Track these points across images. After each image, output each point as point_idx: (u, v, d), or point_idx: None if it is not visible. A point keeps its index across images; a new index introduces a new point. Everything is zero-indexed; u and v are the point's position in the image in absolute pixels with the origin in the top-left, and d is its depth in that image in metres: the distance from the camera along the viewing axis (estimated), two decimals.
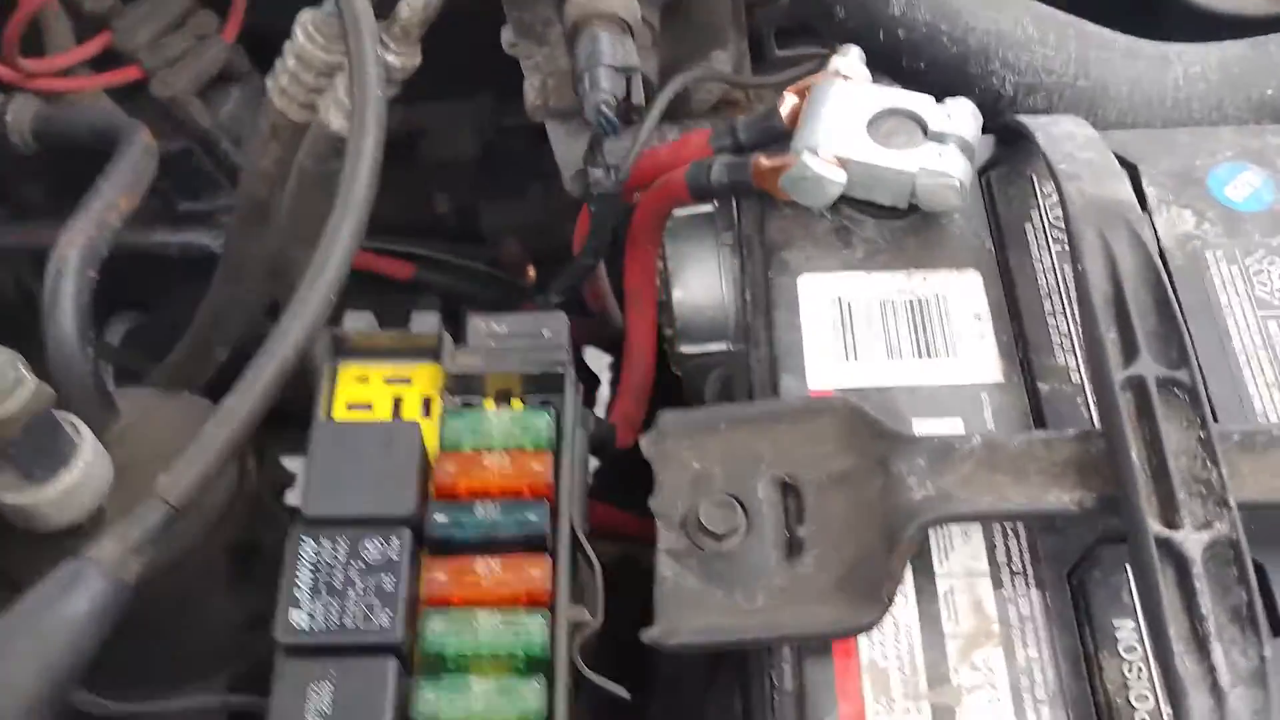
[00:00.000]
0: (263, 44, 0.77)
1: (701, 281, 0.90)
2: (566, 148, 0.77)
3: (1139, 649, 0.45)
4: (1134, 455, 0.42)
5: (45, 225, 0.82)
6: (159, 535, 0.50)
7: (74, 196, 0.65)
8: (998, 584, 0.46)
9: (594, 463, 0.54)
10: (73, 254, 0.61)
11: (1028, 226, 0.56)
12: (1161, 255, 0.54)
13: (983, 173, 0.58)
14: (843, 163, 0.54)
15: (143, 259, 0.87)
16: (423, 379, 0.51)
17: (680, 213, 0.87)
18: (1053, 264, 0.54)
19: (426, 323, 0.52)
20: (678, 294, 0.92)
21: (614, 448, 0.64)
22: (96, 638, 0.47)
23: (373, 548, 0.44)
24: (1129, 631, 0.45)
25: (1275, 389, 0.50)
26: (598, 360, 0.96)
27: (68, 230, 0.63)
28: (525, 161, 0.95)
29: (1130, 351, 0.44)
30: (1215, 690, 0.38)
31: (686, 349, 0.86)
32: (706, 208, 0.85)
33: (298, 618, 0.43)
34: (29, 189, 0.92)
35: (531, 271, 0.99)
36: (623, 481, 0.55)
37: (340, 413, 0.51)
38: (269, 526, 0.72)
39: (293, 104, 0.68)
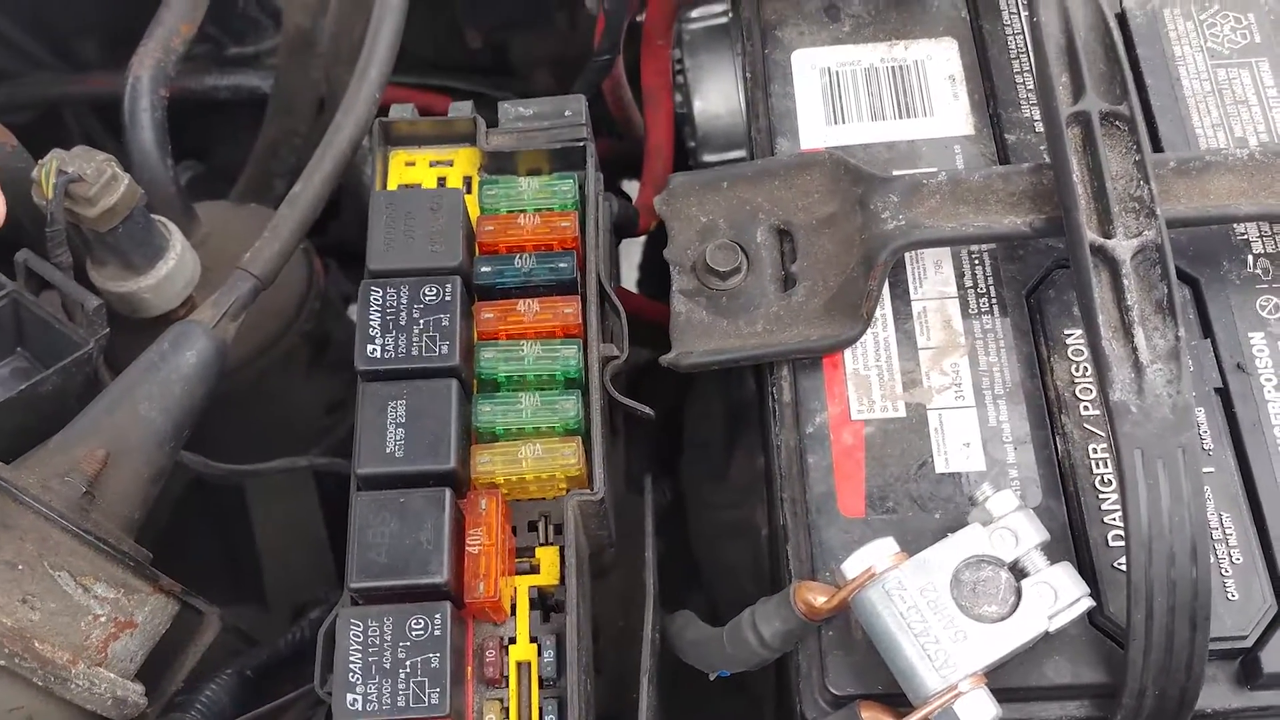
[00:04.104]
0: None
1: (719, 90, 0.96)
2: None
3: (1086, 352, 0.52)
4: (1075, 178, 0.48)
5: (103, 75, 0.89)
6: (248, 302, 0.58)
7: (126, 48, 0.71)
8: (965, 304, 0.54)
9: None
10: (145, 74, 0.68)
11: None
12: (1124, 16, 0.59)
13: None
14: None
15: (198, 105, 0.94)
16: (463, 160, 0.59)
17: (697, 25, 0.92)
18: (1023, 28, 0.60)
19: (462, 109, 0.59)
20: (698, 104, 0.98)
21: (637, 228, 0.71)
22: (204, 386, 0.57)
23: (429, 293, 0.52)
24: (1077, 338, 0.52)
25: (1219, 128, 0.56)
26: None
27: (137, 56, 0.70)
28: None
29: (1078, 90, 0.50)
30: (1136, 365, 0.45)
31: (708, 158, 0.93)
32: (722, 19, 0.90)
33: (372, 349, 0.51)
34: (84, 45, 0.98)
35: None
36: None
37: None
38: (336, 323, 0.82)
39: None
